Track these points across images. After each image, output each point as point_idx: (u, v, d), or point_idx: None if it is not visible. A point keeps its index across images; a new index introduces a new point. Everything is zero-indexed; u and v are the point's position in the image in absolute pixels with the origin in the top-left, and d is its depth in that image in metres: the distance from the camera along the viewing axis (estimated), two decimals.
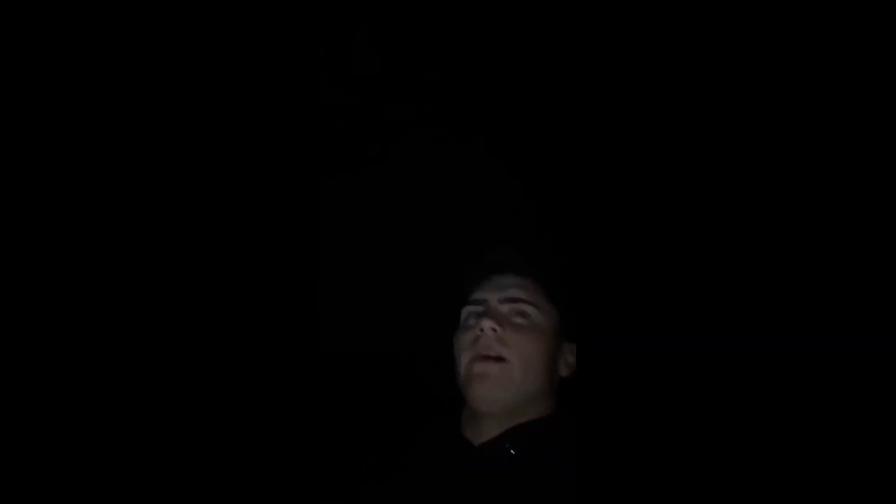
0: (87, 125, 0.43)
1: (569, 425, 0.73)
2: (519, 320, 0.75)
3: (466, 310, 0.80)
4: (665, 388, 0.45)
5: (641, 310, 0.45)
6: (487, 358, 0.72)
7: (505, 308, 0.76)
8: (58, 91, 0.43)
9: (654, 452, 0.43)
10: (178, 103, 0.45)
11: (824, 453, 0.41)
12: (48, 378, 0.41)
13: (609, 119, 0.49)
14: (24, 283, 0.41)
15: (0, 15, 0.42)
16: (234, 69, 0.47)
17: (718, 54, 0.44)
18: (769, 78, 0.44)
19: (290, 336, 0.46)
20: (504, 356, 0.72)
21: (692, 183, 0.46)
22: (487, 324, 0.73)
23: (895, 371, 0.40)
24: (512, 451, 0.70)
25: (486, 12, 1.11)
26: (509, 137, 1.18)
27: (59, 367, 0.41)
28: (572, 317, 0.79)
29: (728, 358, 0.44)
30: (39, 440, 0.40)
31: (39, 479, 0.39)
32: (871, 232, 0.41)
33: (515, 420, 0.73)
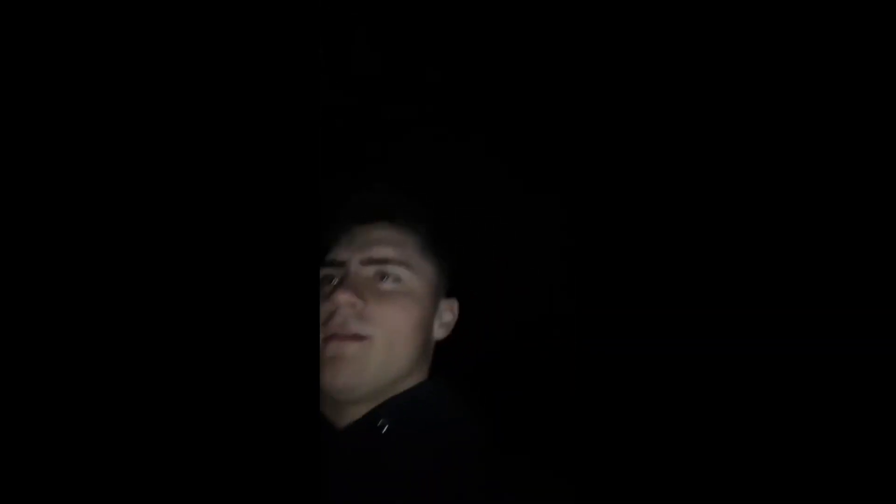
0: (85, 124, 0.43)
1: (444, 392, 0.63)
2: (386, 286, 0.61)
3: (322, 272, 0.64)
4: (665, 388, 0.45)
5: (641, 310, 0.45)
6: (343, 337, 0.59)
7: (369, 271, 0.62)
8: (56, 91, 0.43)
9: (653, 451, 0.43)
10: (178, 103, 0.45)
11: (823, 452, 0.41)
12: (49, 377, 0.41)
13: (609, 118, 0.49)
14: (23, 283, 0.41)
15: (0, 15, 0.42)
16: (234, 69, 0.47)
17: (717, 55, 0.44)
18: (769, 78, 0.44)
19: (290, 336, 0.46)
20: (364, 333, 0.59)
21: (693, 183, 0.46)
22: (344, 297, 0.59)
23: (895, 371, 0.40)
24: (383, 429, 0.58)
25: (485, 12, 1.11)
26: (509, 137, 1.18)
27: (58, 366, 0.41)
28: (450, 269, 0.67)
29: (728, 358, 0.44)
30: (39, 440, 0.40)
31: (39, 478, 0.39)
32: (870, 232, 0.41)
33: (381, 397, 0.60)
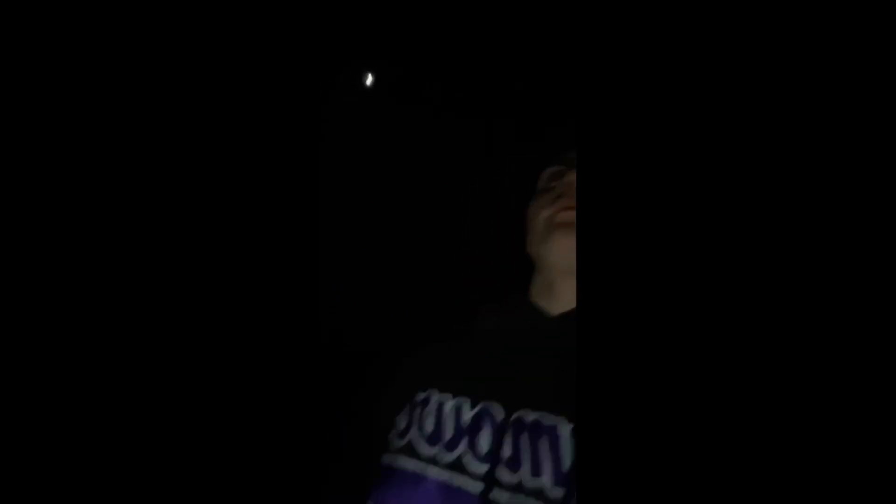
0: (85, 123, 0.43)
1: None
2: None
3: (546, 172, 0.72)
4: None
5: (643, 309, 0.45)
6: (573, 209, 0.64)
7: None
8: (56, 91, 0.43)
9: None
10: (177, 102, 0.45)
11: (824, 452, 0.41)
12: (48, 378, 0.41)
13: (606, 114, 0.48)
14: (23, 284, 0.41)
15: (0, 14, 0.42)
16: (234, 68, 0.47)
17: (712, 51, 0.44)
18: (769, 80, 0.44)
19: (290, 337, 0.46)
20: None
21: (692, 180, 0.46)
22: (573, 177, 0.66)
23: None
24: None
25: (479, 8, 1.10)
26: (510, 134, 1.18)
27: (59, 370, 0.41)
28: None
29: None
30: (40, 441, 0.40)
31: (39, 479, 0.39)
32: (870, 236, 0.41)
33: None
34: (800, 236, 0.39)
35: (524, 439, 0.54)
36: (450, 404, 0.60)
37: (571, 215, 0.64)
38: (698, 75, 0.42)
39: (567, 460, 0.52)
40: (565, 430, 0.53)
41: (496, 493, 0.52)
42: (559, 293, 0.66)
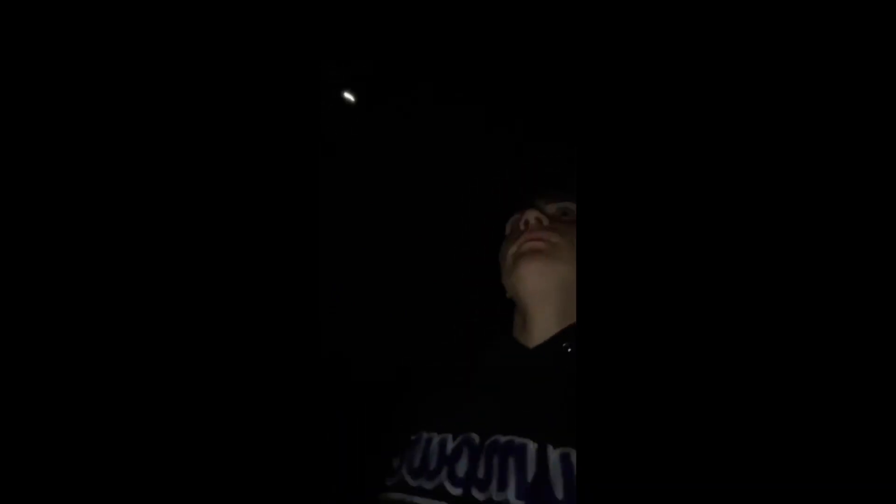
0: (84, 123, 0.43)
1: None
2: (567, 217, 0.74)
3: (510, 220, 0.78)
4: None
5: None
6: (536, 239, 0.70)
7: (551, 209, 0.75)
8: (54, 90, 0.43)
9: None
10: (177, 102, 0.45)
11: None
12: (48, 383, 0.40)
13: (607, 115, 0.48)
14: (22, 284, 0.41)
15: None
16: (234, 68, 0.46)
17: (711, 49, 0.43)
18: (768, 82, 0.43)
19: (290, 339, 0.46)
20: (552, 240, 0.70)
21: (693, 178, 0.45)
22: (532, 214, 0.72)
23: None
24: (569, 350, 0.66)
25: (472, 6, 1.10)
26: (513, 135, 1.18)
27: (53, 375, 0.40)
28: None
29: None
30: (41, 443, 0.40)
31: (40, 480, 0.39)
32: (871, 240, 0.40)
33: (566, 320, 0.69)
34: (796, 250, 0.39)
35: (495, 460, 0.59)
36: (435, 440, 0.66)
37: (532, 244, 0.70)
38: (697, 85, 0.42)
39: (530, 474, 0.56)
40: (531, 448, 0.58)
41: None
42: (534, 324, 0.70)
